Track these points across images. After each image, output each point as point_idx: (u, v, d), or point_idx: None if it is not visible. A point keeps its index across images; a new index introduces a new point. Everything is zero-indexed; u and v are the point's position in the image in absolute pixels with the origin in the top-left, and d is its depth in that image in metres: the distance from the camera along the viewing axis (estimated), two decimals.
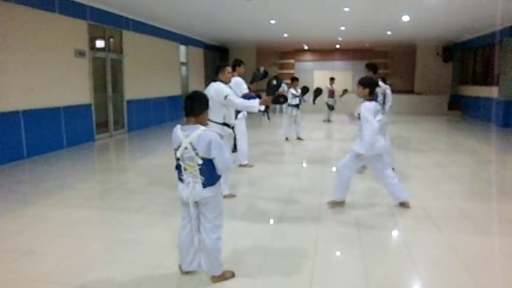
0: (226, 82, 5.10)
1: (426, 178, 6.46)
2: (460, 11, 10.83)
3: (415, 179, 6.36)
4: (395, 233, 4.28)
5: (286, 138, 10.15)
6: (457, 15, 11.51)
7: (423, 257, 3.63)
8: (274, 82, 5.14)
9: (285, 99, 5.26)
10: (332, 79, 14.57)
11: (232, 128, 5.11)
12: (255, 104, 4.96)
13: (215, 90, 4.81)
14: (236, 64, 6.60)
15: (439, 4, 9.80)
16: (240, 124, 6.71)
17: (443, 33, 15.77)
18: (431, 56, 18.64)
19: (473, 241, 3.98)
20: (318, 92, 10.24)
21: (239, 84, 6.34)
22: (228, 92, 4.86)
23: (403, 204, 4.93)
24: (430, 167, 7.24)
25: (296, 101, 9.88)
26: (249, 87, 6.49)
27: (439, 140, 10.83)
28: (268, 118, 6.20)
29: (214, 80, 5.03)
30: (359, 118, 4.64)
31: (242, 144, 6.84)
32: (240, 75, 6.54)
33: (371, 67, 6.58)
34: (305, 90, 10.08)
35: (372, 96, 4.73)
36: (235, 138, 5.15)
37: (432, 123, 14.36)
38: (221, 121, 4.89)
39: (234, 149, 5.20)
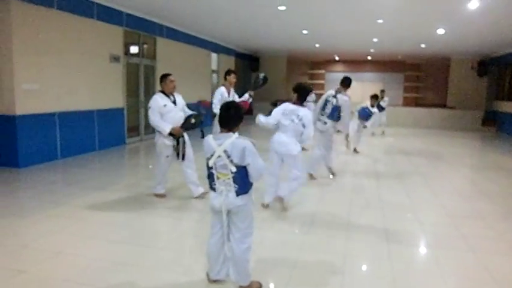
0: (168, 93, 5.30)
1: (457, 194, 6.29)
2: (497, 25, 10.56)
3: (446, 195, 6.19)
4: (425, 250, 4.17)
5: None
6: (495, 29, 11.22)
7: (455, 276, 3.52)
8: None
9: (197, 120, 5.27)
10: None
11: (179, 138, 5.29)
12: (165, 129, 5.15)
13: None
14: (226, 74, 7.06)
15: (475, 18, 9.59)
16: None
17: (479, 47, 15.41)
18: (465, 70, 18.21)
19: (507, 262, 3.83)
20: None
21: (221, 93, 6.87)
22: (151, 105, 5.18)
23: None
24: (461, 183, 7.05)
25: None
26: (250, 95, 6.69)
27: (472, 156, 10.54)
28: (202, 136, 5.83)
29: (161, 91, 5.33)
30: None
31: None
32: (231, 85, 6.96)
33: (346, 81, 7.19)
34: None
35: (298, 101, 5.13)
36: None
37: (465, 139, 13.99)
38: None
39: (183, 157, 5.35)
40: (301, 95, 5.14)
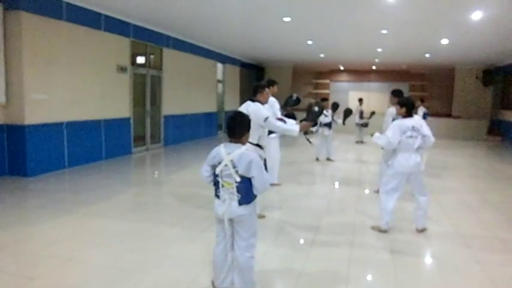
0: (264, 103, 5.03)
1: (463, 205, 6.30)
2: (501, 34, 10.61)
3: (452, 206, 6.21)
4: (430, 261, 4.19)
5: (317, 159, 10.11)
6: (498, 39, 11.27)
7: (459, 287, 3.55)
8: (316, 109, 5.12)
9: (319, 106, 5.19)
10: (360, 100, 14.75)
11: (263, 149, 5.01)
12: (294, 129, 4.87)
13: (254, 111, 4.68)
14: (270, 84, 6.53)
15: (479, 28, 9.65)
16: (274, 143, 6.75)
17: (483, 57, 15.45)
18: (470, 80, 18.22)
19: None
20: (348, 112, 10.12)
21: (273, 104, 6.31)
22: (268, 114, 4.78)
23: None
24: (467, 193, 7.06)
25: (328, 119, 9.86)
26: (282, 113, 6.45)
27: (477, 166, 10.53)
28: (310, 141, 6.18)
29: (252, 100, 4.93)
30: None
31: (274, 164, 6.83)
32: (273, 95, 6.54)
33: (396, 94, 6.38)
34: (335, 106, 10.02)
35: (407, 114, 4.83)
36: (265, 160, 4.98)
37: (470, 148, 13.97)
38: (255, 142, 4.79)
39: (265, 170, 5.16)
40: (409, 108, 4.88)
